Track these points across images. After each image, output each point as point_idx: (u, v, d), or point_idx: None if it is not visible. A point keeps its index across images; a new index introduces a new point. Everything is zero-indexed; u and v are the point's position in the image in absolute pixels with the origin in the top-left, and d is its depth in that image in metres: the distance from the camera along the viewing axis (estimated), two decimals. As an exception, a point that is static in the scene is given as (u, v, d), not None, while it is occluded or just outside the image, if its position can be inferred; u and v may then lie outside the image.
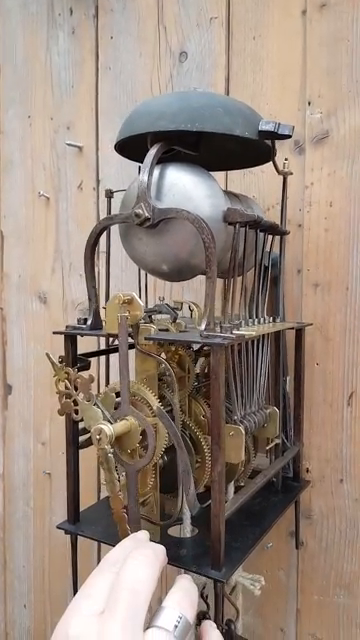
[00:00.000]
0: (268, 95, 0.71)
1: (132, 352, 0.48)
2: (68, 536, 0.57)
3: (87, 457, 0.58)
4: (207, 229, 0.45)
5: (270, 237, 0.59)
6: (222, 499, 0.45)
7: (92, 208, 0.89)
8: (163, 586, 0.64)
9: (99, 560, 0.72)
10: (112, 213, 0.60)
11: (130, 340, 0.48)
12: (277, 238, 0.62)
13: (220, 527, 0.45)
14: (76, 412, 0.47)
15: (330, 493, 0.69)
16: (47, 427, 0.98)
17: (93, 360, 0.57)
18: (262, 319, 0.57)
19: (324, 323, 0.68)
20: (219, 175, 0.72)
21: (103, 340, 0.72)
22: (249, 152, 0.60)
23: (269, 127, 0.50)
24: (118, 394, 0.48)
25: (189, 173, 0.50)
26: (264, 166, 0.65)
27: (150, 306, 0.57)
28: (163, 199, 0.49)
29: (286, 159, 0.62)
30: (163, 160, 0.51)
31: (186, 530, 0.54)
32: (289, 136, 0.51)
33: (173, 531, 0.55)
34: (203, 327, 0.46)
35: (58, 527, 0.57)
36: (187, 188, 0.49)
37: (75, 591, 0.57)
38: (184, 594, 0.32)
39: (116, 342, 0.52)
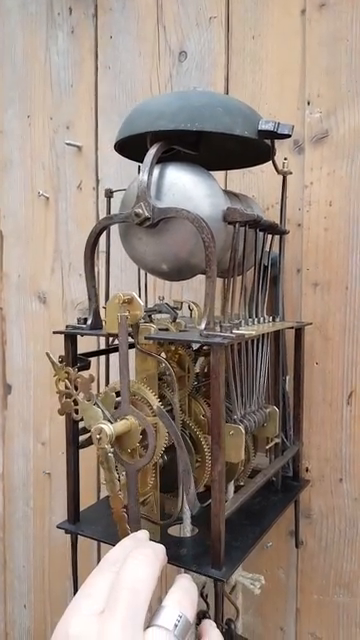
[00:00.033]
0: (267, 94, 0.71)
1: (132, 352, 0.48)
2: (68, 536, 0.57)
3: (87, 457, 0.58)
4: (207, 228, 0.45)
5: (270, 236, 0.59)
6: (222, 498, 0.45)
7: (91, 208, 0.89)
8: (163, 585, 0.64)
9: (99, 560, 0.72)
10: (112, 213, 0.60)
11: (130, 340, 0.48)
12: (277, 237, 0.62)
13: (220, 526, 0.45)
14: (76, 412, 0.47)
15: (330, 492, 0.69)
16: (47, 427, 0.98)
17: (93, 360, 0.57)
18: (262, 318, 0.57)
19: (323, 322, 0.68)
20: (219, 175, 0.72)
21: (103, 340, 0.72)
22: (249, 151, 0.60)
23: (269, 126, 0.50)
24: (118, 394, 0.48)
25: (189, 172, 0.50)
26: (264, 165, 0.65)
27: (150, 306, 0.57)
28: (163, 198, 0.49)
29: (285, 159, 0.62)
30: (163, 160, 0.51)
31: (186, 529, 0.55)
32: (289, 135, 0.51)
33: (173, 530, 0.55)
34: (203, 326, 0.46)
35: (58, 527, 0.57)
36: (187, 187, 0.49)
37: (75, 591, 0.57)
38: (184, 593, 0.32)
39: (116, 342, 0.52)
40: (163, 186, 0.50)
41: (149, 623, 0.29)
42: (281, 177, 0.63)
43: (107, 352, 0.62)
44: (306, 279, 0.69)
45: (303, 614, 0.72)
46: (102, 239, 0.55)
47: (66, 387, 0.48)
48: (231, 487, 0.57)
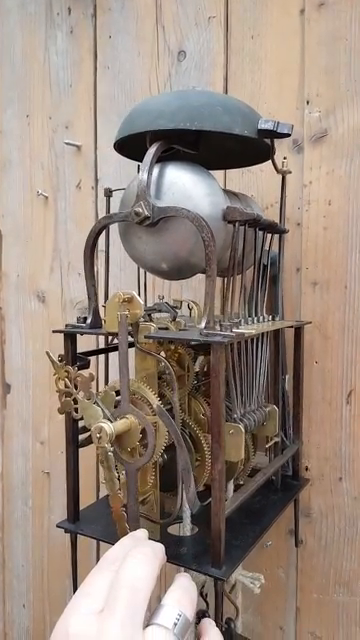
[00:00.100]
0: (266, 94, 0.71)
1: (132, 350, 0.48)
2: (67, 535, 0.57)
3: (86, 456, 0.58)
4: (207, 227, 0.45)
5: (269, 236, 0.59)
6: (222, 497, 0.45)
7: (91, 207, 0.89)
8: (162, 584, 0.64)
9: (98, 559, 0.72)
10: (111, 212, 0.60)
11: (130, 338, 0.48)
12: (276, 237, 0.62)
13: (220, 525, 0.45)
14: (76, 410, 0.47)
15: (329, 491, 0.69)
16: (46, 426, 0.98)
17: (92, 359, 0.57)
18: (261, 317, 0.57)
19: (323, 321, 0.68)
20: (218, 174, 0.73)
21: (102, 339, 0.72)
22: (248, 151, 0.60)
23: (268, 126, 0.50)
24: (118, 392, 0.48)
25: (188, 172, 0.50)
26: (263, 165, 0.65)
27: (149, 305, 0.57)
28: (163, 198, 0.49)
29: (285, 158, 0.62)
30: (162, 159, 0.51)
31: (186, 528, 0.55)
32: (288, 135, 0.51)
33: (173, 529, 0.55)
34: (203, 325, 0.46)
35: (58, 526, 0.57)
36: (187, 187, 0.49)
37: (74, 590, 0.57)
38: (183, 592, 0.32)
39: (115, 341, 0.52)
40: (163, 185, 0.50)
41: (148, 622, 0.29)
42: (280, 176, 0.63)
43: (107, 351, 0.62)
44: (305, 278, 0.69)
45: (303, 613, 0.72)
46: (101, 238, 0.55)
47: (66, 386, 0.48)
48: (231, 486, 0.57)
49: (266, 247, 0.57)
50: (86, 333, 0.53)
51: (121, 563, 0.31)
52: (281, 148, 0.68)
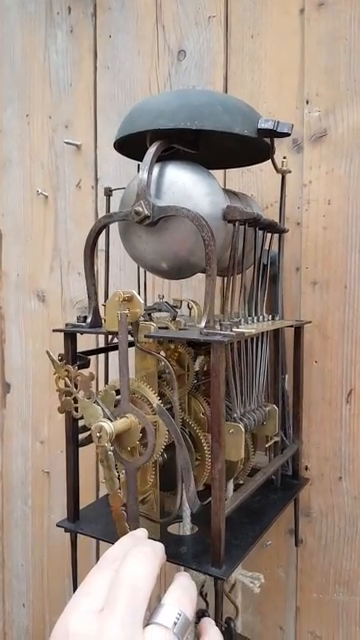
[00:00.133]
0: (266, 93, 0.71)
1: (132, 350, 0.48)
2: (67, 534, 0.57)
3: (86, 455, 0.58)
4: (207, 227, 0.45)
5: (269, 235, 0.59)
6: (222, 497, 0.45)
7: (91, 206, 0.89)
8: (162, 584, 0.64)
9: (98, 558, 0.72)
10: (111, 211, 0.60)
11: (130, 338, 0.48)
12: (276, 236, 0.62)
13: (220, 525, 0.45)
14: (76, 409, 0.47)
15: (329, 491, 0.69)
16: (45, 425, 0.98)
17: (92, 358, 0.57)
18: (261, 317, 0.57)
19: (322, 321, 0.68)
20: (218, 173, 0.72)
21: (102, 338, 0.72)
22: (248, 150, 0.60)
23: (268, 125, 0.50)
24: (118, 392, 0.48)
25: (188, 171, 0.50)
26: (263, 164, 0.65)
27: (149, 304, 0.57)
28: (163, 197, 0.49)
29: (284, 157, 0.62)
30: (162, 158, 0.51)
31: (186, 528, 0.55)
32: (288, 134, 0.51)
33: (173, 529, 0.55)
34: (203, 325, 0.46)
35: (58, 525, 0.57)
36: (187, 186, 0.49)
37: (74, 589, 0.57)
38: (183, 591, 0.32)
39: (115, 340, 0.52)
40: (163, 184, 0.49)
41: (148, 621, 0.29)
42: (280, 176, 0.63)
43: (107, 350, 0.62)
44: (305, 278, 0.69)
45: (303, 613, 0.72)
46: (102, 238, 0.55)
47: (66, 385, 0.48)
48: (231, 485, 0.57)
49: (266, 246, 0.57)
50: (86, 332, 0.53)
51: (121, 562, 0.31)
52: (281, 148, 0.68)
